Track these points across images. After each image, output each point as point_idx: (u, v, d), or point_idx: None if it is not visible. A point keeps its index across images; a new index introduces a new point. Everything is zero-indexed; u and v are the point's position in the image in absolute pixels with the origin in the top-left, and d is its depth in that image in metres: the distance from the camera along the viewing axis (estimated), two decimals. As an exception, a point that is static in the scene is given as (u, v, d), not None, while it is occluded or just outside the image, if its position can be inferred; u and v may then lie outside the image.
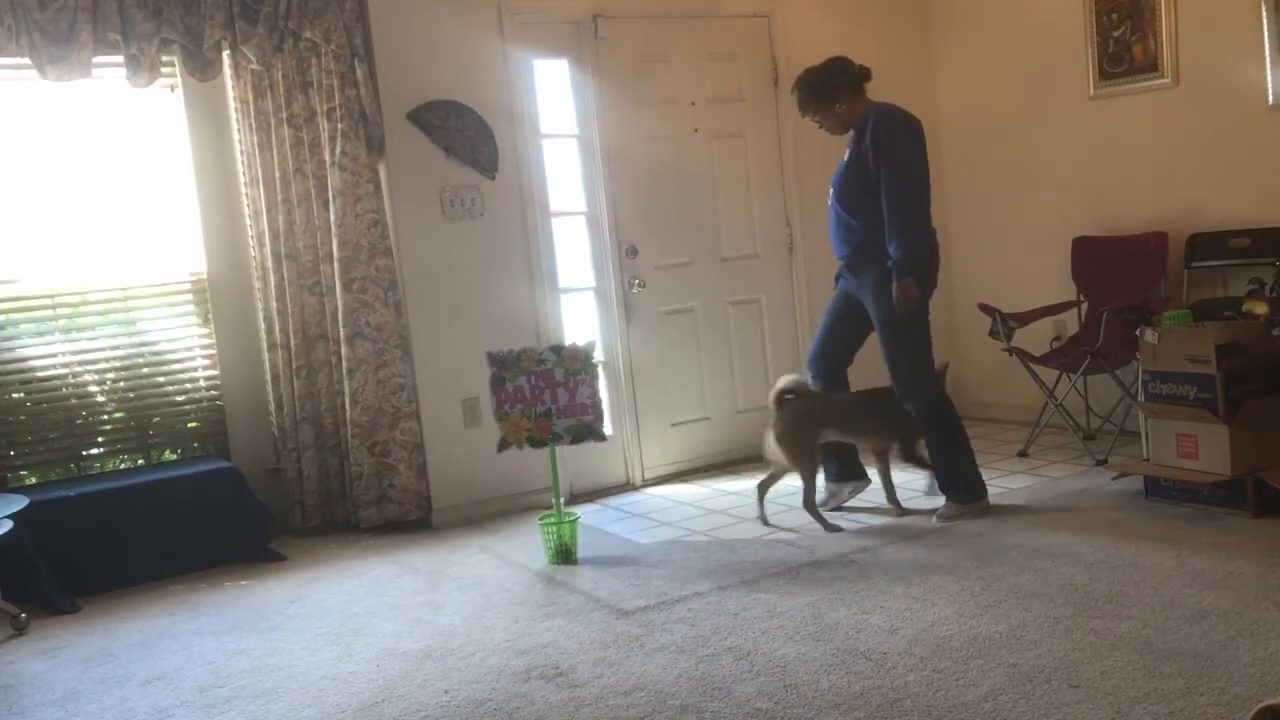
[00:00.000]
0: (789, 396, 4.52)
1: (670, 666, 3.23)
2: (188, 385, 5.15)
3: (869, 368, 4.72)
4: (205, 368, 5.17)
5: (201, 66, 4.77)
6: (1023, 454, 5.44)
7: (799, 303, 6.04)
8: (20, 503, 4.15)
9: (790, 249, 6.03)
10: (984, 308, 5.46)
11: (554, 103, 5.47)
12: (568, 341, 5.02)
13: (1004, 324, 5.38)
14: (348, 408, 5.03)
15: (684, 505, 5.17)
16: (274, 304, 5.02)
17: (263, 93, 4.91)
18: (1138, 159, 5.50)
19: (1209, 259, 5.20)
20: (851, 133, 4.45)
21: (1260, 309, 4.42)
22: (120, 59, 4.61)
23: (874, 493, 4.92)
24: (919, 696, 2.87)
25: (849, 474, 4.76)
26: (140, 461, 5.07)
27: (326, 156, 4.96)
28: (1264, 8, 4.88)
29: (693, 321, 5.81)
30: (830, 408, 4.59)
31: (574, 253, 5.53)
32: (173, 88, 5.01)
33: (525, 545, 4.64)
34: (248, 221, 5.04)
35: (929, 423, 4.46)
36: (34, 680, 3.61)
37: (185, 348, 5.14)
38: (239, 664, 3.60)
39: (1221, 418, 4.11)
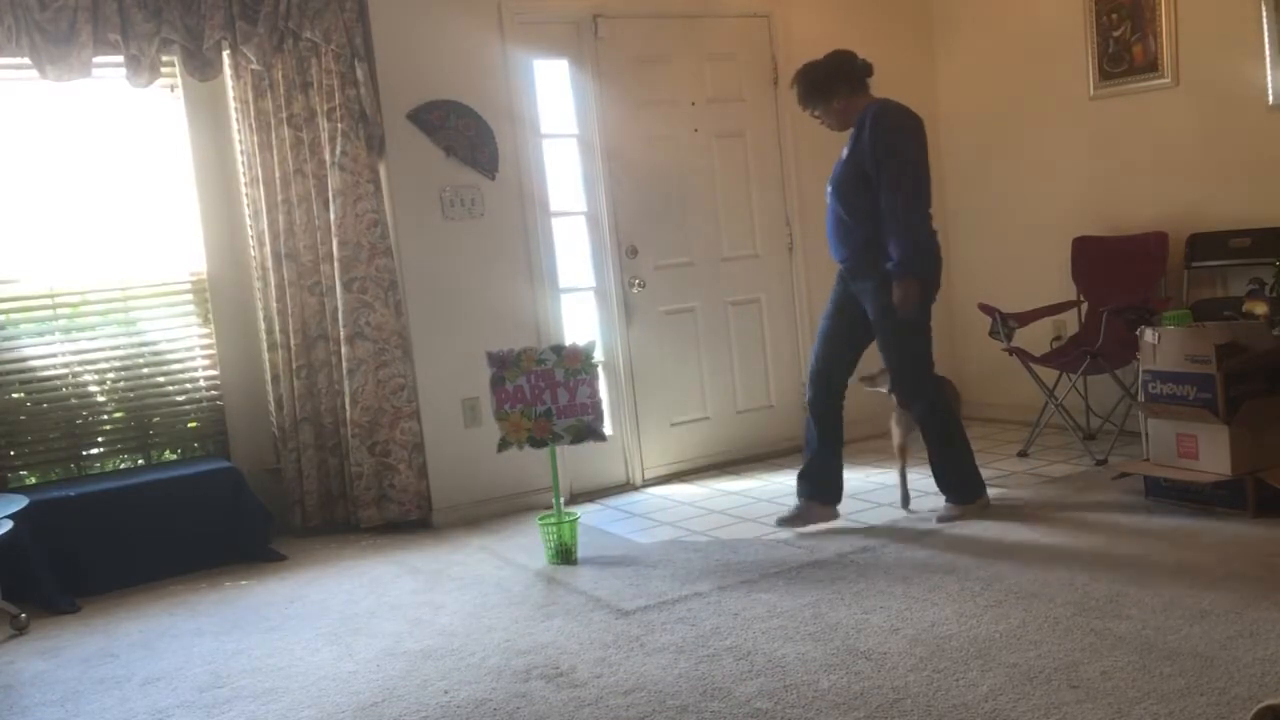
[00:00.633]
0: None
1: (670, 666, 3.23)
2: (188, 385, 5.15)
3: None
4: (205, 368, 5.17)
5: (201, 66, 4.78)
6: (1023, 454, 5.44)
7: (799, 303, 6.04)
8: (20, 503, 4.15)
9: (790, 249, 6.03)
10: (984, 308, 5.46)
11: (554, 103, 5.47)
12: (568, 341, 5.02)
13: (1004, 324, 5.38)
14: (348, 408, 5.03)
15: (684, 505, 5.17)
16: (274, 304, 5.02)
17: (263, 93, 4.91)
18: (1138, 159, 5.49)
19: (1209, 259, 5.20)
20: (851, 129, 4.40)
21: (1260, 309, 4.42)
22: (120, 59, 4.62)
23: (874, 493, 4.92)
24: (919, 696, 2.87)
25: (827, 496, 4.53)
26: (140, 461, 5.07)
27: (326, 156, 4.96)
28: (1264, 8, 4.88)
29: (693, 321, 5.81)
30: None
31: (574, 253, 5.53)
32: (173, 88, 5.01)
33: (525, 545, 4.64)
34: (248, 221, 5.05)
35: (928, 424, 4.45)
36: (34, 680, 3.61)
37: (185, 348, 5.14)
38: (239, 664, 3.60)
39: (1221, 418, 4.11)
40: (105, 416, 5.02)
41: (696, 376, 5.81)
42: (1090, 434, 5.56)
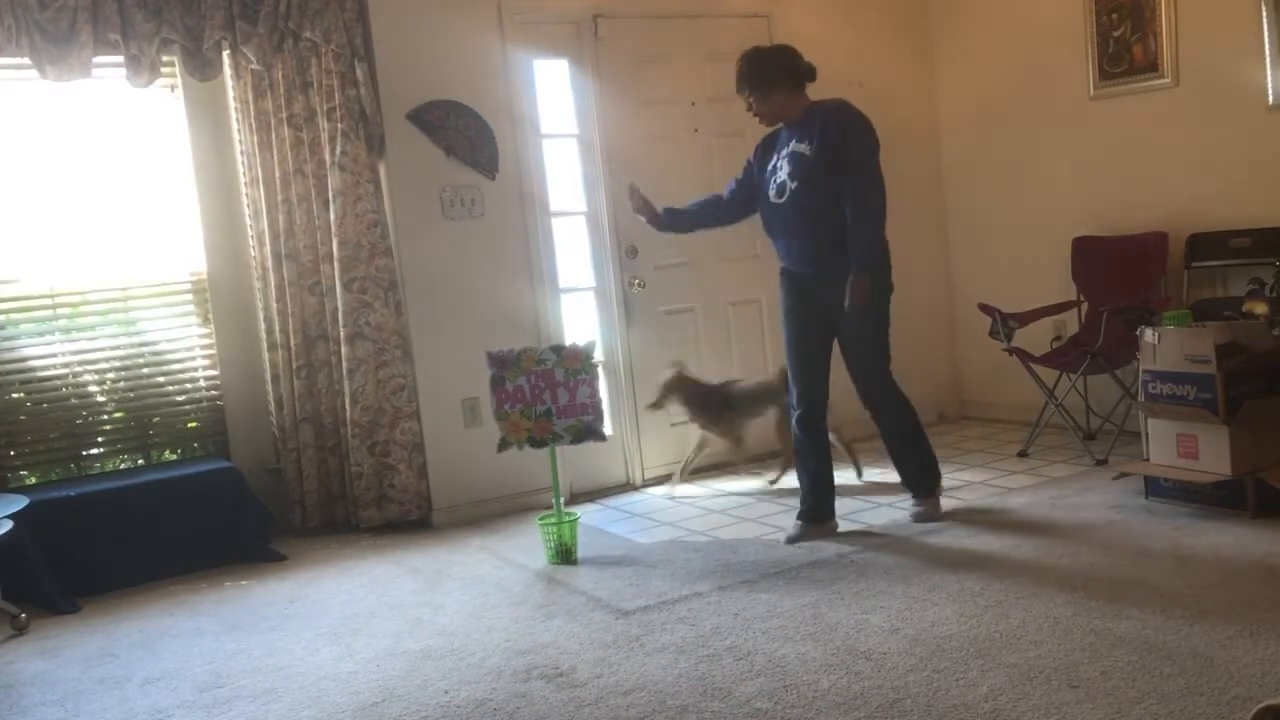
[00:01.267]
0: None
1: (670, 666, 3.23)
2: (188, 385, 5.15)
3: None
4: (205, 368, 5.17)
5: (201, 66, 4.78)
6: (1023, 454, 5.44)
7: (799, 303, 6.03)
8: (20, 503, 4.15)
9: (790, 249, 6.02)
10: (984, 308, 5.46)
11: (554, 103, 5.47)
12: (568, 341, 5.02)
13: (1004, 324, 5.38)
14: (348, 408, 5.03)
15: (684, 505, 5.17)
16: (274, 304, 5.02)
17: (263, 93, 4.91)
18: (1138, 159, 5.49)
19: (1209, 259, 5.20)
20: (782, 129, 4.35)
21: (1260, 309, 4.42)
22: (120, 59, 4.62)
23: (873, 492, 4.92)
24: (919, 696, 2.87)
25: (829, 510, 4.47)
26: (140, 461, 5.07)
27: (326, 156, 4.96)
28: (1264, 8, 4.88)
29: (693, 321, 5.81)
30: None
31: (574, 253, 5.53)
32: (173, 88, 5.01)
33: (525, 545, 4.64)
34: (248, 221, 5.05)
35: (895, 419, 4.42)
36: (34, 680, 3.61)
37: (185, 348, 5.14)
38: (239, 664, 3.60)
39: (1221, 418, 4.11)
40: (105, 416, 5.02)
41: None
42: (1090, 434, 5.56)
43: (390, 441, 5.05)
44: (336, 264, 4.97)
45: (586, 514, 4.90)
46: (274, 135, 4.94)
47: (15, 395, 4.82)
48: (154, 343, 5.08)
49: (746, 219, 4.63)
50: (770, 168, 4.38)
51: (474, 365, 4.84)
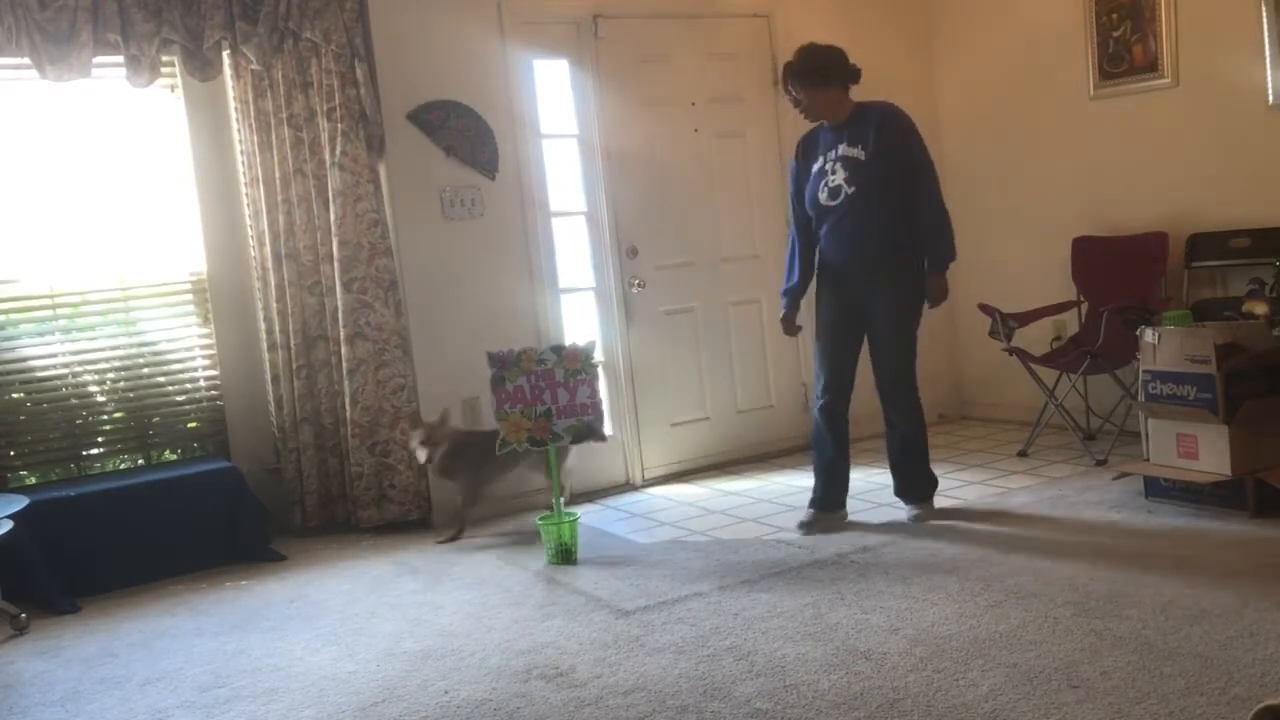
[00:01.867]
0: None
1: (670, 666, 3.23)
2: (188, 385, 5.15)
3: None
4: (205, 368, 5.17)
5: (201, 66, 4.78)
6: (1023, 454, 5.44)
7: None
8: (20, 503, 4.15)
9: (790, 249, 6.02)
10: (984, 308, 5.46)
11: (554, 103, 5.47)
12: (568, 341, 5.02)
13: (1004, 324, 5.38)
14: (348, 408, 5.03)
15: (684, 505, 5.17)
16: (274, 304, 5.02)
17: (263, 93, 4.92)
18: (1138, 159, 5.49)
19: (1209, 259, 5.20)
20: (822, 130, 4.41)
21: (1260, 309, 4.42)
22: (120, 59, 4.62)
23: (873, 493, 4.92)
24: (919, 696, 2.87)
25: (841, 501, 4.60)
26: (140, 461, 5.07)
27: (326, 156, 4.96)
28: (1264, 8, 4.88)
29: (693, 321, 5.81)
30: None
31: (574, 253, 5.53)
32: (173, 88, 5.01)
33: (525, 545, 4.64)
34: (248, 221, 5.05)
35: (907, 419, 4.48)
36: (34, 680, 3.61)
37: (185, 348, 5.14)
38: (239, 664, 3.60)
39: (1221, 418, 4.11)
40: (105, 416, 5.02)
41: (696, 377, 5.81)
42: (1090, 434, 5.56)
43: (390, 441, 5.05)
44: (336, 264, 4.97)
45: (586, 514, 4.90)
46: (274, 135, 4.94)
47: (15, 395, 4.82)
48: (154, 343, 5.08)
49: None
50: (818, 169, 4.42)
51: (474, 365, 4.84)
